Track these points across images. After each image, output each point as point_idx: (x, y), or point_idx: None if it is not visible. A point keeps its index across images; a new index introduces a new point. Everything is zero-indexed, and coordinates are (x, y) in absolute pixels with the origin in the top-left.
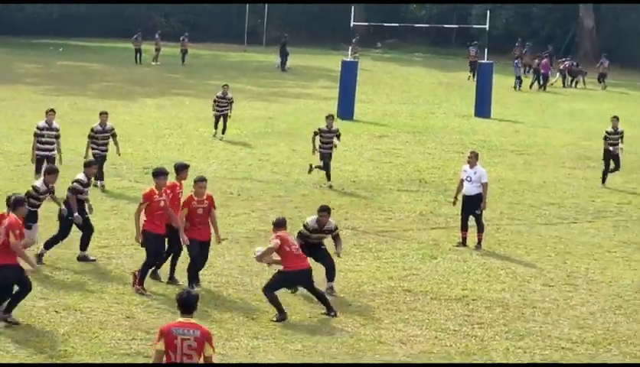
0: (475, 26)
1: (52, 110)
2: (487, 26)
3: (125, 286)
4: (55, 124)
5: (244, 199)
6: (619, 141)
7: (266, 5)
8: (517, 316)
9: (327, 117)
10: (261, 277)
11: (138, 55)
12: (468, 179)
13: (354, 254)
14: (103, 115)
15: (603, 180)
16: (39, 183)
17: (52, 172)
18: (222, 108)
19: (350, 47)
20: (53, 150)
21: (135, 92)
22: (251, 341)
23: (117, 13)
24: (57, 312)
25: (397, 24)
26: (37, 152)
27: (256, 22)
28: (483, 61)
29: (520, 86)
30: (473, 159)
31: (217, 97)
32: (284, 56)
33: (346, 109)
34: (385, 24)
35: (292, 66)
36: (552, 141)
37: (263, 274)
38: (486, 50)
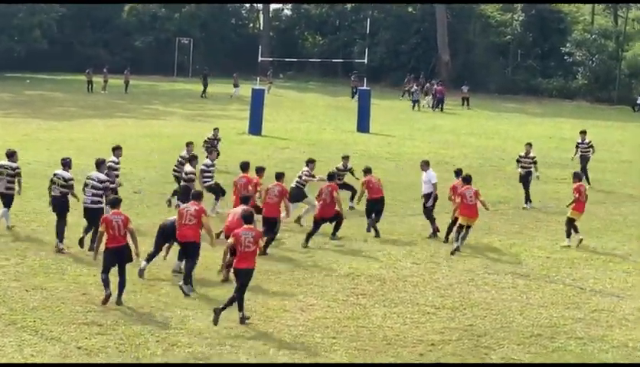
0: (356, 60)
1: (191, 142)
2: (365, 60)
3: (82, 269)
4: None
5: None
6: (532, 166)
7: (192, 44)
8: (392, 288)
9: (343, 157)
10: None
11: (89, 85)
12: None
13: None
14: (190, 145)
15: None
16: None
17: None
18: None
19: (258, 78)
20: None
21: (88, 115)
22: (182, 311)
23: (73, 51)
24: (27, 290)
25: (295, 59)
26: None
27: (183, 58)
28: (362, 88)
29: (418, 107)
30: (425, 165)
31: (207, 138)
32: (205, 85)
33: (255, 127)
34: (286, 59)
35: (212, 93)
36: (417, 150)
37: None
38: (365, 79)
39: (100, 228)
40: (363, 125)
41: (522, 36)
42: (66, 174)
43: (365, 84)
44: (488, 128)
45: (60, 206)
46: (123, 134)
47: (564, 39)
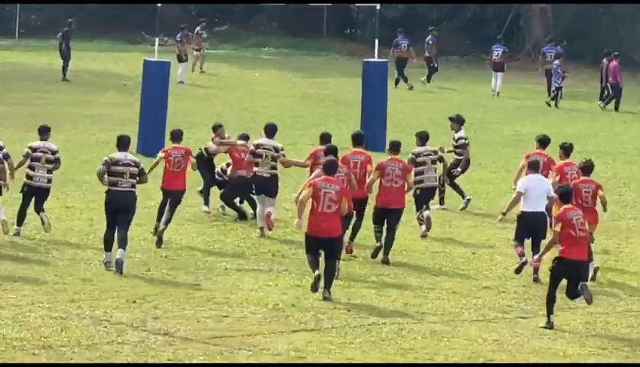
0: (359, 4)
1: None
2: (377, 4)
3: None
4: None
5: None
6: None
7: None
8: None
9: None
10: None
11: None
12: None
13: None
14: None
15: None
16: None
17: None
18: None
19: (157, 39)
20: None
21: None
22: None
23: None
24: None
25: (233, 4)
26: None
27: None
28: (371, 59)
29: (556, 102)
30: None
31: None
32: (67, 57)
33: (148, 143)
34: (214, 4)
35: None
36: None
37: None
38: (377, 40)
39: None
40: (373, 139)
41: None
42: None
43: (376, 53)
44: None
45: None
46: None
47: None
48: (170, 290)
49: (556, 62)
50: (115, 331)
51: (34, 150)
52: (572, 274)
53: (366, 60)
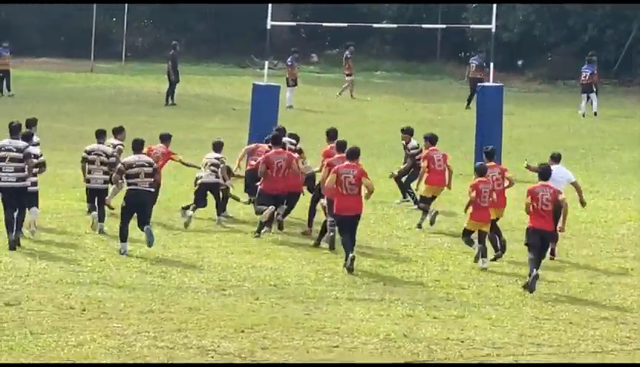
0: (473, 26)
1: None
2: (493, 25)
3: None
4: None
5: None
6: None
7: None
8: None
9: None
10: None
11: None
12: None
13: None
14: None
15: None
16: None
17: None
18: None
19: (267, 62)
20: None
21: None
22: None
23: None
24: None
25: (346, 24)
26: None
27: (109, 22)
28: (485, 84)
29: None
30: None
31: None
32: (174, 81)
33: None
34: (325, 24)
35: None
36: None
37: None
38: (492, 64)
39: None
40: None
41: None
42: None
43: (492, 76)
44: None
45: None
46: None
47: None
48: (279, 320)
49: None
50: (222, 361)
51: (89, 153)
52: (538, 241)
53: (481, 84)
